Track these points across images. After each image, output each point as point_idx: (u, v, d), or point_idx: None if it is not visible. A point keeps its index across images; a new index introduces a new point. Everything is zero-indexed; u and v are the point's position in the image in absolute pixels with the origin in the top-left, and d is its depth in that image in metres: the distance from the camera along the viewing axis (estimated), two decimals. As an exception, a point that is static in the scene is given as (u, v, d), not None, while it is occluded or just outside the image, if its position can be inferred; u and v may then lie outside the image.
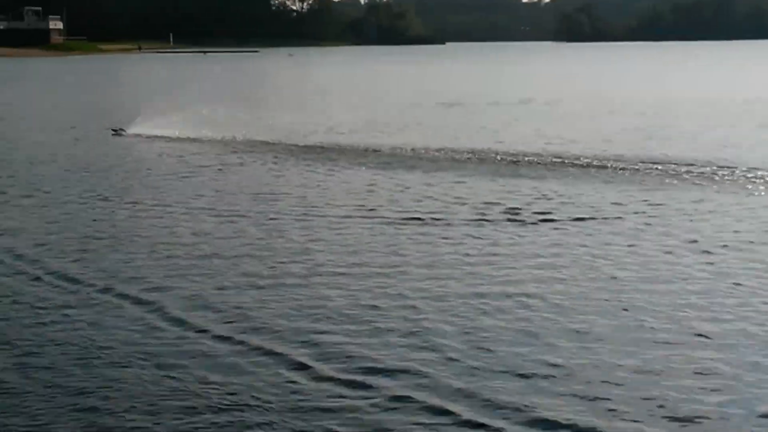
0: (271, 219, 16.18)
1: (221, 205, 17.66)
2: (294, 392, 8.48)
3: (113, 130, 31.05)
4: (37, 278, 12.45)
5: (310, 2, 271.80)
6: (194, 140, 28.66)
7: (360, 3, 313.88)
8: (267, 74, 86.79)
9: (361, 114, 37.89)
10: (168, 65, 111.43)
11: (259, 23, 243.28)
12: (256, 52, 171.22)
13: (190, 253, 13.70)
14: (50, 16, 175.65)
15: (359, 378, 8.78)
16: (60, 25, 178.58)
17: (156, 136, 29.56)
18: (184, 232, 15.19)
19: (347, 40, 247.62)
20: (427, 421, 7.85)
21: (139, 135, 30.07)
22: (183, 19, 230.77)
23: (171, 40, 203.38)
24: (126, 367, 9.13)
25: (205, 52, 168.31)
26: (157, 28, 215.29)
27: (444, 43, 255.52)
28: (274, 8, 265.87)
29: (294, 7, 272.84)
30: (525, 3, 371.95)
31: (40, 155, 26.02)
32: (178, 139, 29.12)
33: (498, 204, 17.27)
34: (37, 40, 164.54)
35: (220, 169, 22.59)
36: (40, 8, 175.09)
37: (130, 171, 22.51)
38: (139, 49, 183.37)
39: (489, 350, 9.49)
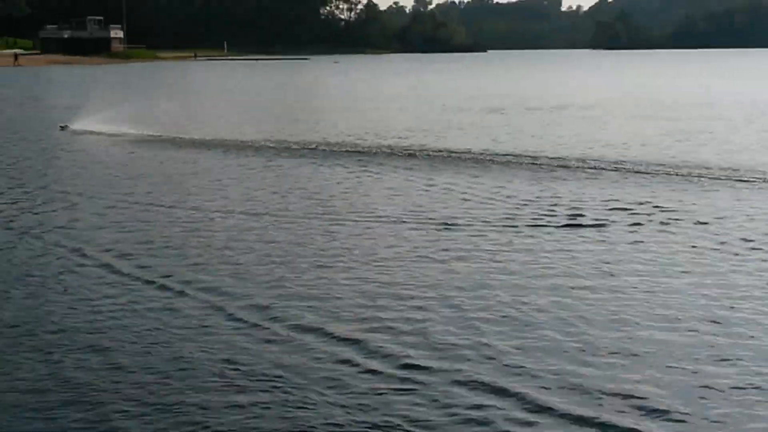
0: (326, 221, 15.89)
1: (278, 207, 17.47)
2: (375, 383, 8.40)
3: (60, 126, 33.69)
4: (125, 280, 12.22)
5: (358, 11, 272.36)
6: (246, 144, 28.57)
7: (405, 12, 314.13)
8: (315, 80, 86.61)
9: (405, 118, 37.68)
10: (221, 72, 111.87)
11: (309, 32, 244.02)
12: (306, 59, 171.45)
13: (259, 254, 13.52)
14: (111, 26, 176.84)
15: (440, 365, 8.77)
16: (120, 34, 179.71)
17: (206, 140, 29.64)
18: (248, 236, 14.88)
19: (393, 48, 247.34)
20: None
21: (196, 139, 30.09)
22: (237, 28, 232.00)
23: (225, 48, 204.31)
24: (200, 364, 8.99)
25: (256, 59, 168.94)
26: (212, 37, 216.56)
27: (486, 51, 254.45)
28: (323, 17, 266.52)
29: (342, 16, 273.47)
30: (564, 11, 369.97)
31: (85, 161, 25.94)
32: (223, 143, 29.04)
33: (544, 207, 16.94)
34: (98, 48, 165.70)
35: (273, 173, 22.40)
36: (102, 18, 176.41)
37: (177, 174, 22.42)
38: (195, 56, 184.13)
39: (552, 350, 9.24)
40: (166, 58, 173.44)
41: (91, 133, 32.49)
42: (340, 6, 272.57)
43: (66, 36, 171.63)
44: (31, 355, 9.32)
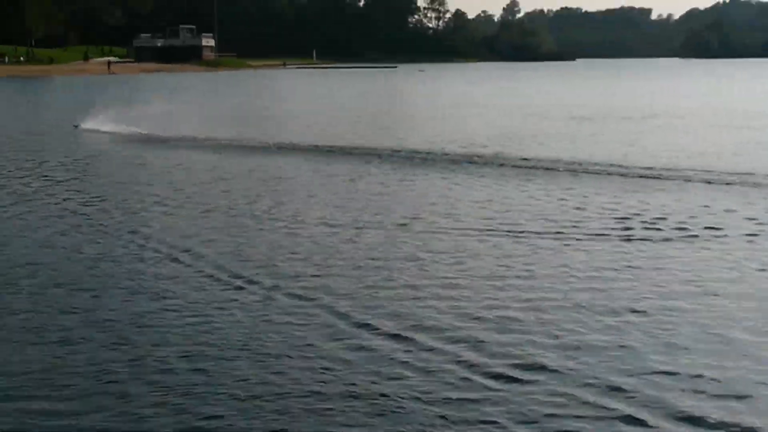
0: (415, 231, 15.29)
1: (367, 215, 16.87)
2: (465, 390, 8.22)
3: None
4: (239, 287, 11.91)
5: (446, 20, 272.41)
6: (329, 150, 28.18)
7: (494, 20, 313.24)
8: (400, 88, 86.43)
9: (494, 126, 37.00)
10: (309, 79, 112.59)
11: (397, 40, 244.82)
12: (394, 67, 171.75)
13: (351, 262, 13.16)
14: (203, 34, 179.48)
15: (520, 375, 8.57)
16: (212, 42, 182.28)
17: (292, 144, 29.34)
18: (343, 245, 14.43)
19: (480, 57, 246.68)
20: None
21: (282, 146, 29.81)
22: (326, 37, 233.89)
23: (314, 56, 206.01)
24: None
25: (344, 67, 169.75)
26: (301, 46, 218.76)
27: (574, 59, 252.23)
28: (411, 26, 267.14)
29: (430, 25, 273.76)
30: (654, 20, 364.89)
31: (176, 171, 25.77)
32: (306, 148, 28.70)
33: (635, 217, 16.23)
34: (190, 56, 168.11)
35: (351, 180, 21.87)
36: (194, 27, 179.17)
37: (273, 178, 22.06)
38: (284, 65, 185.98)
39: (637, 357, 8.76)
40: (256, 66, 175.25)
41: (178, 139, 32.44)
42: (429, 15, 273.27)
43: (159, 44, 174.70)
44: (123, 356, 9.24)
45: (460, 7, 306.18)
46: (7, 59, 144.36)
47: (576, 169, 22.90)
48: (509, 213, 16.91)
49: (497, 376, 8.48)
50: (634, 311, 10.52)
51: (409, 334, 9.72)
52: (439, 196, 19.13)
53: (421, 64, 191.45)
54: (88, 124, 36.92)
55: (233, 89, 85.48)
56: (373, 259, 13.24)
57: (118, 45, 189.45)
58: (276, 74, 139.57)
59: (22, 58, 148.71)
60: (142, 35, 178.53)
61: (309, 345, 9.48)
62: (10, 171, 24.00)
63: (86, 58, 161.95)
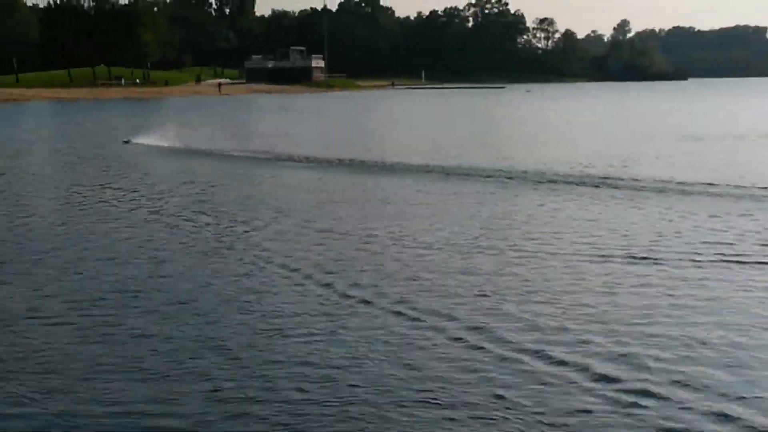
0: (525, 252, 14.88)
1: (473, 235, 16.52)
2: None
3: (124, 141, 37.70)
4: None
5: (556, 40, 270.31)
6: (430, 169, 27.80)
7: (603, 40, 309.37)
8: (506, 108, 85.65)
9: (604, 146, 36.12)
10: (416, 99, 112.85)
11: (506, 60, 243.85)
12: (502, 88, 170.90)
13: (463, 281, 12.95)
14: (313, 56, 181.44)
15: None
16: (322, 64, 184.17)
17: (392, 164, 29.02)
18: (447, 262, 14.21)
19: (590, 76, 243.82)
20: None
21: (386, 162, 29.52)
22: (435, 57, 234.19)
23: (423, 76, 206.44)
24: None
25: (453, 87, 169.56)
26: (411, 66, 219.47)
27: (686, 79, 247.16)
28: (520, 46, 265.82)
29: (539, 45, 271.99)
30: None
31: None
32: (409, 168, 28.36)
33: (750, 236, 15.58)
34: (300, 78, 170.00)
35: (465, 199, 21.45)
36: (304, 48, 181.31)
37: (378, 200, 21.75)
38: (392, 84, 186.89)
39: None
40: (365, 86, 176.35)
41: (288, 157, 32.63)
42: (538, 35, 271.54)
43: (270, 66, 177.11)
44: (241, 364, 9.46)
45: (569, 27, 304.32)
46: (123, 81, 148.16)
47: (691, 191, 22.01)
48: (640, 236, 16.21)
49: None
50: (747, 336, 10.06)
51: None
52: (542, 217, 18.63)
53: (529, 84, 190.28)
54: (192, 143, 37.39)
55: (340, 109, 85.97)
56: (525, 284, 12.80)
57: (231, 67, 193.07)
58: (385, 94, 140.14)
59: (138, 81, 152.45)
60: (254, 57, 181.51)
61: (425, 367, 9.31)
62: (122, 191, 24.22)
63: (198, 80, 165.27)
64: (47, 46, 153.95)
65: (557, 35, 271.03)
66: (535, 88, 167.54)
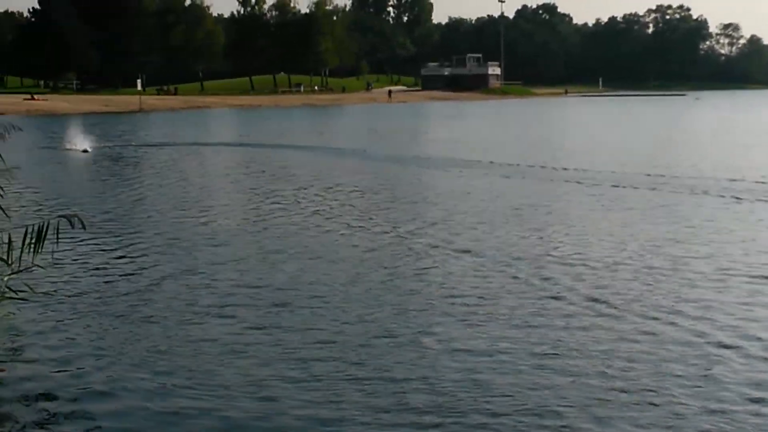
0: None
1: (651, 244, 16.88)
2: None
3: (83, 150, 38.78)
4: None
5: (740, 45, 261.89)
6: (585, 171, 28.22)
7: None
8: (679, 116, 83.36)
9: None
10: (588, 108, 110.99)
11: (687, 67, 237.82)
12: (683, 95, 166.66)
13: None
14: (489, 63, 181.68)
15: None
16: (498, 71, 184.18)
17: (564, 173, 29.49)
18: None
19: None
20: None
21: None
22: (613, 63, 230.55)
23: (600, 84, 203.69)
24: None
25: (629, 95, 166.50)
26: (589, 73, 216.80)
27: None
28: (702, 52, 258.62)
29: (723, 51, 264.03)
30: None
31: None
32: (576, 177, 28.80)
33: None
34: (477, 85, 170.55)
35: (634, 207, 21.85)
36: (480, 55, 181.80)
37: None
38: (565, 92, 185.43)
39: None
40: (541, 94, 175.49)
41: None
42: (721, 41, 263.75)
43: (446, 73, 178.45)
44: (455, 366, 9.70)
45: (755, 33, 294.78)
46: (302, 88, 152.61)
47: None
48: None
49: None
50: None
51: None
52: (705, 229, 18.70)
53: (711, 92, 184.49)
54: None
55: (517, 116, 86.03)
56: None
57: (407, 74, 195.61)
58: (556, 102, 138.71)
59: (316, 87, 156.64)
60: (430, 64, 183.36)
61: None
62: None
63: (368, 88, 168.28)
64: (232, 55, 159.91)
65: (742, 41, 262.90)
66: (717, 95, 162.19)
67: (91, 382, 9.34)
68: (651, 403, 8.58)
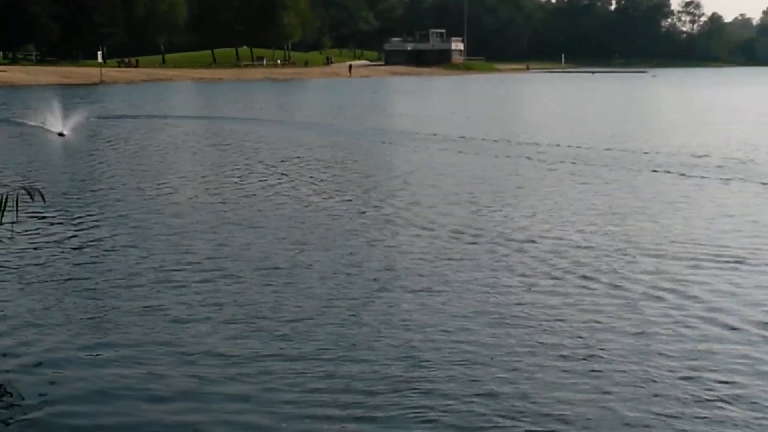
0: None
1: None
2: None
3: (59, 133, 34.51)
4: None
5: (701, 24, 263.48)
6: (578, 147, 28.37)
7: (752, 23, 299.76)
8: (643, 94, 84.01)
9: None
10: (551, 83, 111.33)
11: (649, 45, 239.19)
12: (643, 72, 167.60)
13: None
14: (453, 38, 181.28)
15: None
16: (461, 46, 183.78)
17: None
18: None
19: (737, 62, 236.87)
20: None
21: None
22: (575, 40, 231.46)
23: (562, 60, 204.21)
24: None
25: (591, 72, 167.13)
26: (550, 50, 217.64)
27: None
28: (664, 30, 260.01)
29: (684, 29, 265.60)
30: None
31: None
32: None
33: None
34: (439, 60, 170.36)
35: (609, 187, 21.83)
36: (443, 31, 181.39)
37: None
38: (527, 68, 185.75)
39: None
40: (503, 69, 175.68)
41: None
42: (683, 18, 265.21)
43: (409, 48, 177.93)
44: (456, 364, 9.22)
45: (716, 11, 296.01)
46: (265, 62, 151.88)
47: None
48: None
49: None
50: None
51: None
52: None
53: (671, 69, 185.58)
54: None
55: (478, 92, 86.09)
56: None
57: (370, 49, 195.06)
58: (524, 77, 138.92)
59: (279, 61, 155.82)
60: (393, 39, 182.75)
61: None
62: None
63: (328, 62, 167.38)
64: (195, 28, 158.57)
65: (703, 19, 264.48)
66: (679, 72, 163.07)
67: (27, 353, 9.31)
68: (593, 371, 8.70)
